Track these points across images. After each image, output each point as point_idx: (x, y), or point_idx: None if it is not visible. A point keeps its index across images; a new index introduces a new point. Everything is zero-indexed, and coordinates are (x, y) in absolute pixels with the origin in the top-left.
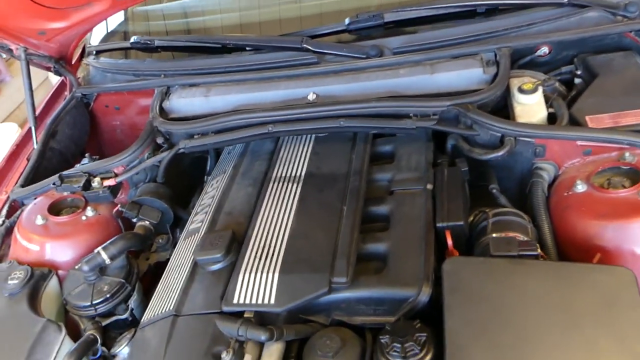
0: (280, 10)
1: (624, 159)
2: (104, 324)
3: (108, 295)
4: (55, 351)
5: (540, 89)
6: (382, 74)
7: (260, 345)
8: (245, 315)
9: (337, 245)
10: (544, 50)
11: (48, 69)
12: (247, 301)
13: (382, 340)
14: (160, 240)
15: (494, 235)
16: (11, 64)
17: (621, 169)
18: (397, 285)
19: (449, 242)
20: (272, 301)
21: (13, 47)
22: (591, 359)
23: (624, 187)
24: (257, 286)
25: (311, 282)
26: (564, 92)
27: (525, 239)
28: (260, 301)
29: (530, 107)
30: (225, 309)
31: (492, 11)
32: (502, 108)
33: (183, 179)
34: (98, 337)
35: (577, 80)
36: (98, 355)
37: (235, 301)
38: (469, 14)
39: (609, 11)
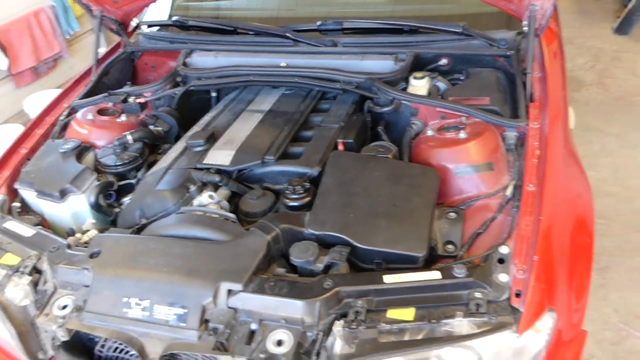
0: (279, 12)
1: (461, 121)
2: (119, 183)
3: (126, 161)
4: (87, 184)
5: (427, 79)
6: (331, 56)
7: (215, 188)
8: (210, 170)
9: (273, 143)
10: (444, 61)
11: (112, 29)
12: (213, 163)
13: (283, 187)
14: (165, 146)
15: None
16: (71, 44)
17: (458, 127)
18: (302, 165)
19: (340, 147)
20: (227, 163)
21: (94, 8)
22: (394, 203)
23: None
24: (221, 157)
25: (252, 156)
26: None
27: (383, 150)
28: (220, 163)
29: (417, 88)
30: (198, 165)
31: (413, 31)
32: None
33: (190, 112)
34: (115, 183)
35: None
36: (113, 199)
37: (205, 162)
38: (398, 31)
39: (488, 42)
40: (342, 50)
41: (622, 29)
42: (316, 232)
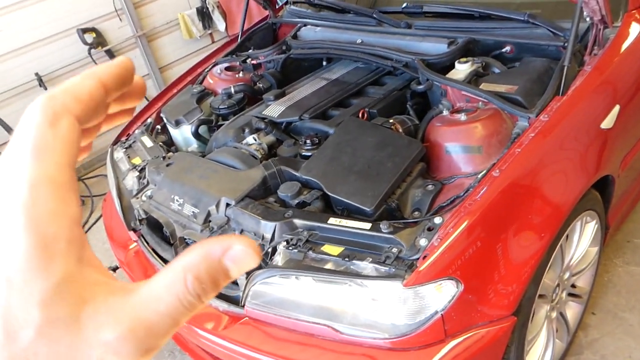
0: None
1: (477, 106)
2: (220, 123)
3: (226, 106)
4: (194, 118)
5: (469, 63)
6: (401, 37)
7: (266, 134)
8: (265, 120)
9: (318, 104)
10: (507, 49)
11: (259, 3)
12: (267, 114)
13: (300, 139)
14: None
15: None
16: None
17: (468, 110)
18: (326, 125)
19: (364, 115)
20: (275, 116)
21: None
22: (368, 165)
23: None
24: (275, 110)
25: (294, 112)
26: None
27: (397, 125)
28: (271, 115)
29: (459, 71)
30: (258, 115)
31: (482, 17)
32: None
33: (295, 74)
34: (213, 120)
35: None
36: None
37: (263, 113)
38: (468, 16)
39: (553, 31)
40: (411, 32)
41: None
42: (304, 176)
